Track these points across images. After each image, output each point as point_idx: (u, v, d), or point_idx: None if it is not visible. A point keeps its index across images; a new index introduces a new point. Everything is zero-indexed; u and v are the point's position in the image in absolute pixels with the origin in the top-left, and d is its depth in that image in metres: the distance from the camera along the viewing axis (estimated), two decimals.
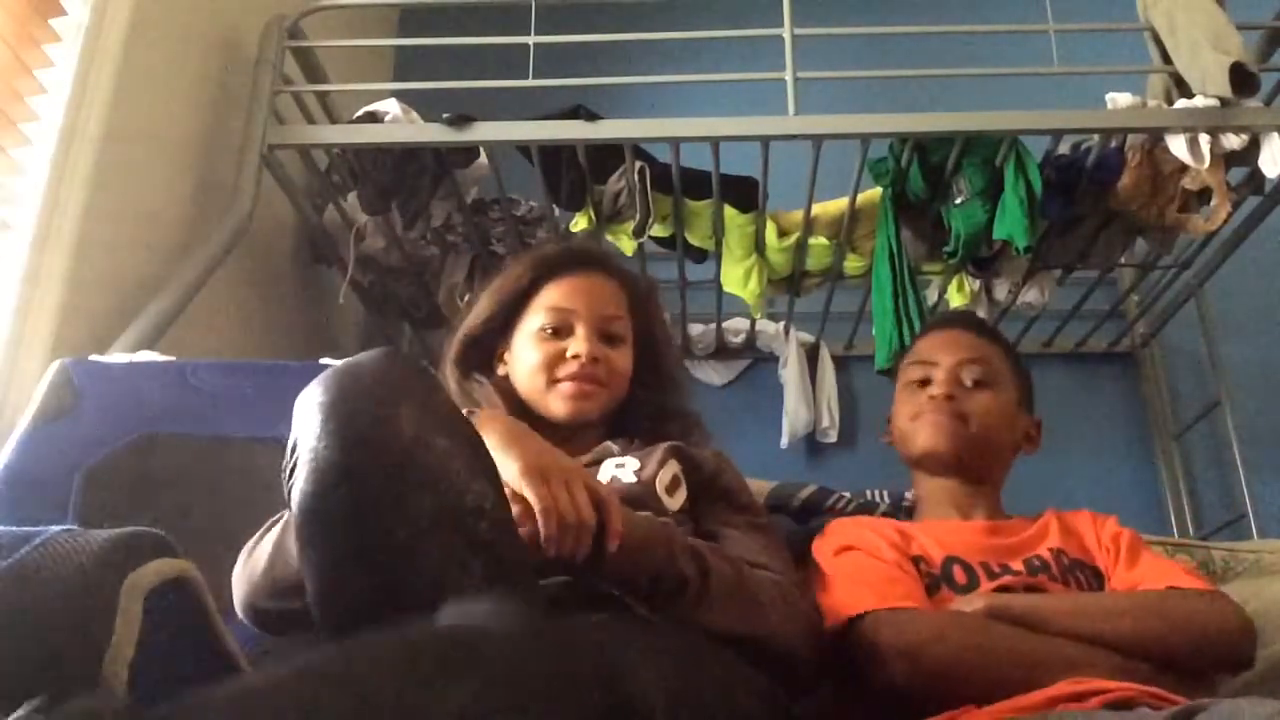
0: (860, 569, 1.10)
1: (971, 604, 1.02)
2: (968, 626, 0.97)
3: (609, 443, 1.15)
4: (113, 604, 0.46)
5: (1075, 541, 1.18)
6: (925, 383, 1.30)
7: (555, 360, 1.16)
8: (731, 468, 1.16)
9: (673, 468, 1.08)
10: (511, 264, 1.30)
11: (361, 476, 0.69)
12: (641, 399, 1.23)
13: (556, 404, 1.15)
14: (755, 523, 1.09)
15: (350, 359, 0.78)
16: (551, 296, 1.20)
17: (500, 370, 1.24)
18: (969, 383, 1.27)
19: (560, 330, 1.18)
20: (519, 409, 1.17)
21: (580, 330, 1.17)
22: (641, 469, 1.07)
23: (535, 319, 1.20)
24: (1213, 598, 1.04)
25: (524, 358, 1.19)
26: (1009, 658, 0.94)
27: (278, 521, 0.89)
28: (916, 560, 1.13)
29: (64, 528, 0.48)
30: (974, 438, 1.25)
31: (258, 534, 0.91)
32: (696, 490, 1.09)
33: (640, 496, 1.00)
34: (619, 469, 1.08)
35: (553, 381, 1.16)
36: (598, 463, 1.10)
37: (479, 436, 0.78)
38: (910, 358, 1.37)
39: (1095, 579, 1.13)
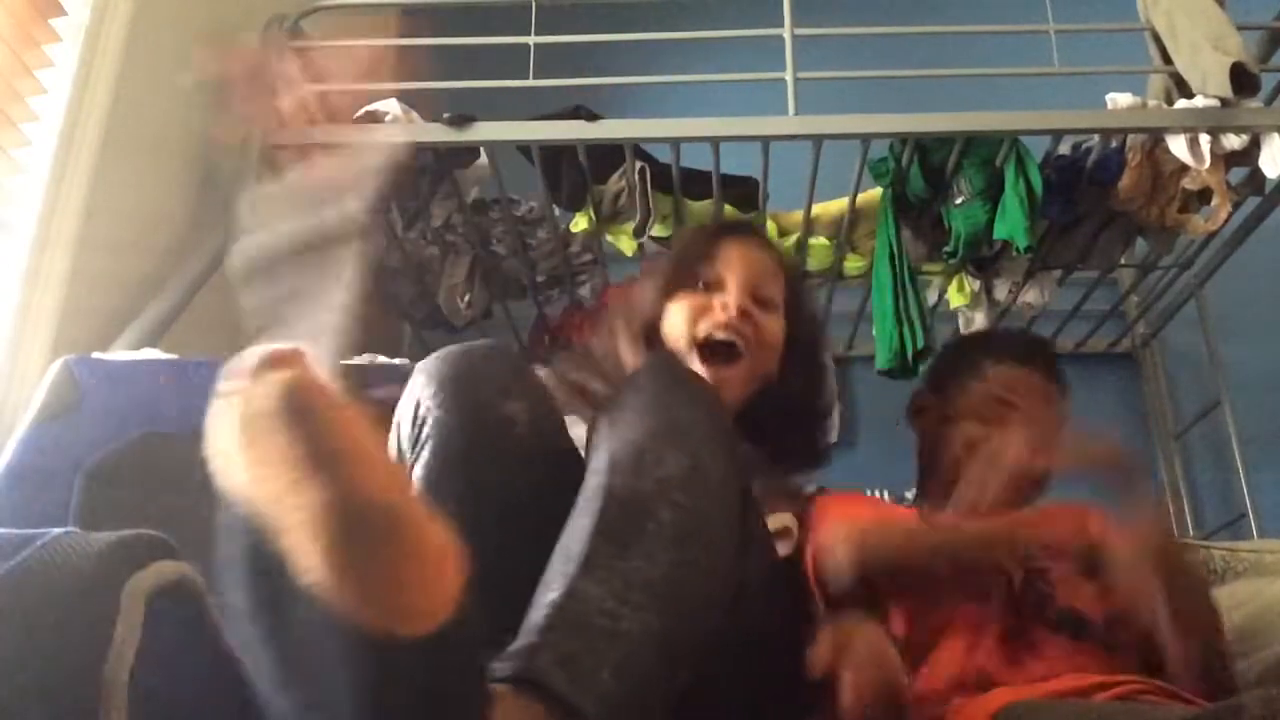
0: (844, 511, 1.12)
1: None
2: (896, 525, 1.06)
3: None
4: (114, 607, 0.46)
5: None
6: (993, 421, 1.19)
7: (699, 312, 1.10)
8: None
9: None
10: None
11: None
12: (781, 396, 1.14)
13: (694, 366, 1.07)
14: None
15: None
16: (704, 250, 1.16)
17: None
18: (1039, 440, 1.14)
19: (710, 284, 1.12)
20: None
21: (731, 281, 1.12)
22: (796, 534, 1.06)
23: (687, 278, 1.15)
24: None
25: (672, 316, 1.12)
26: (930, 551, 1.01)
27: None
28: None
29: (65, 530, 0.48)
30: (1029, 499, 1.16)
31: None
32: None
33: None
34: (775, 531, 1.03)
35: (694, 341, 1.09)
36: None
37: None
38: (990, 386, 1.23)
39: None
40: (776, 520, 1.05)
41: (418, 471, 0.73)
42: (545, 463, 0.79)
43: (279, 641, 0.52)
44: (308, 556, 0.47)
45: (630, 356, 1.12)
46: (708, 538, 0.71)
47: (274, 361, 0.50)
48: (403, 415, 0.78)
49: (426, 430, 0.75)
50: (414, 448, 0.75)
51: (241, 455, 0.49)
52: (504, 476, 0.75)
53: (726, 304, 1.09)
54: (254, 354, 0.50)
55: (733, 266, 1.13)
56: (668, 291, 1.15)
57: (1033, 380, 1.24)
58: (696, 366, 1.06)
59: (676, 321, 1.11)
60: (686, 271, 1.15)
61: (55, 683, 0.44)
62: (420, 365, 0.79)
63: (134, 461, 1.16)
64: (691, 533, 0.69)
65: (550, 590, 0.64)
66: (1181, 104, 1.70)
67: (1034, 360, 1.27)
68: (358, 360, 1.37)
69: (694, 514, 0.70)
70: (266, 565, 0.50)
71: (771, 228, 1.94)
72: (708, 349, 1.09)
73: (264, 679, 0.53)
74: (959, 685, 0.97)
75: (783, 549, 1.03)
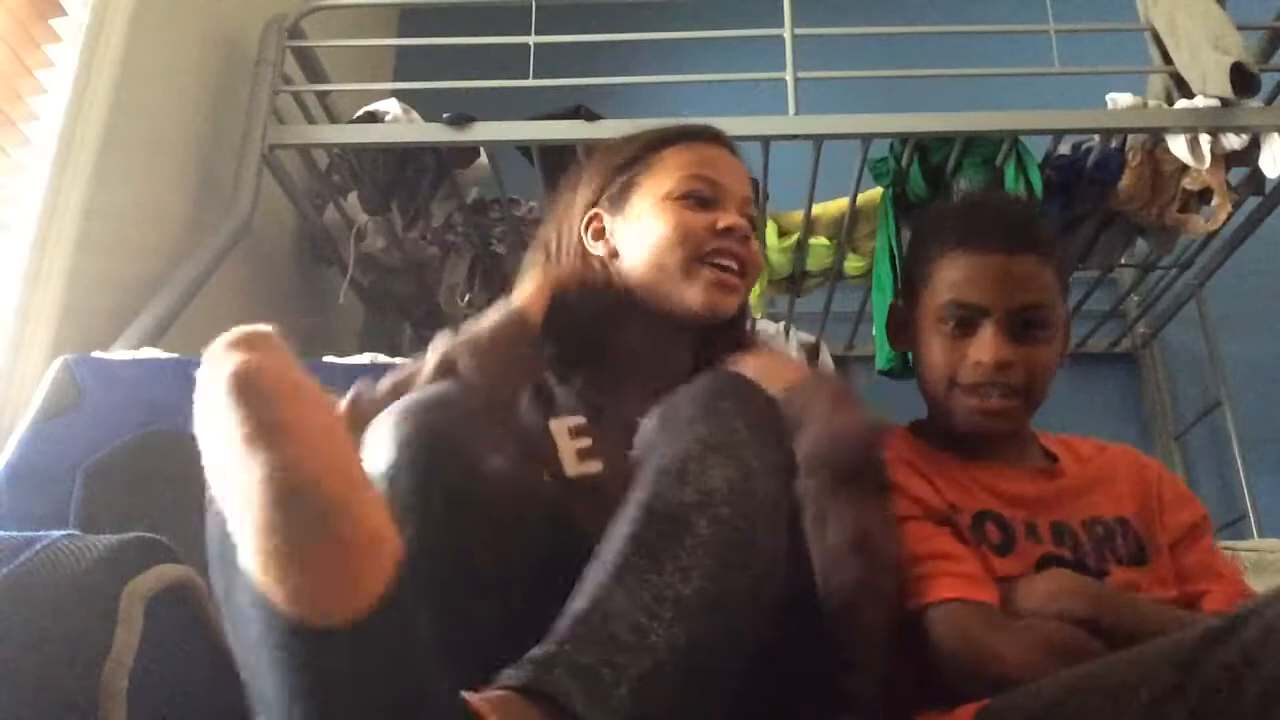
0: (921, 540, 0.96)
1: (1063, 603, 0.90)
2: (1050, 651, 0.85)
3: None
4: (113, 610, 0.46)
5: (1129, 505, 1.04)
6: (967, 328, 1.02)
7: (704, 235, 0.95)
8: None
9: None
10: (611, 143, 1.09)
11: None
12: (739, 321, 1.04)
13: (694, 293, 0.95)
14: None
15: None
16: (689, 161, 1.00)
17: (598, 248, 1.02)
18: (1022, 332, 1.01)
19: (707, 201, 0.98)
20: (625, 299, 0.98)
21: (730, 202, 0.98)
22: None
23: (667, 183, 0.98)
24: None
25: (654, 228, 0.96)
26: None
27: None
28: (950, 514, 0.99)
29: (65, 533, 0.48)
30: (1029, 406, 1.04)
31: None
32: None
33: None
34: None
35: (695, 260, 0.96)
36: None
37: None
38: (944, 286, 1.03)
39: (1134, 548, 1.01)
40: None
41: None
42: (530, 506, 0.75)
43: (234, 631, 0.52)
44: (245, 539, 0.47)
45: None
46: (752, 553, 0.67)
47: (239, 341, 0.50)
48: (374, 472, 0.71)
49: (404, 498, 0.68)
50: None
51: (205, 437, 0.49)
52: (495, 531, 0.70)
53: (731, 226, 0.96)
54: (225, 335, 0.51)
55: (726, 182, 0.99)
56: (625, 203, 1.01)
57: (1001, 266, 1.01)
58: (696, 288, 0.96)
59: (665, 241, 0.96)
60: (645, 171, 1.01)
61: (55, 686, 0.44)
62: (385, 424, 0.71)
63: (134, 461, 1.16)
64: (734, 547, 0.66)
65: (579, 600, 0.62)
66: (1181, 104, 1.70)
67: (1000, 241, 1.02)
68: (358, 360, 1.37)
69: (738, 528, 0.66)
70: (225, 552, 0.49)
71: (772, 228, 1.94)
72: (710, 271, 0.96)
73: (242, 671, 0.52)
74: None
75: None
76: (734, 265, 0.97)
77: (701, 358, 1.01)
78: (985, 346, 1.00)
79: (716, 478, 0.68)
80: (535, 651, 0.58)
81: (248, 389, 0.48)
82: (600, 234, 1.02)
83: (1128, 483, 1.05)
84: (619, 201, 1.01)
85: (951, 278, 1.02)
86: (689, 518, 0.65)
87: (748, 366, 0.89)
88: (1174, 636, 0.66)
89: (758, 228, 1.11)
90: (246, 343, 0.50)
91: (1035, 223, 1.09)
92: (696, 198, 0.97)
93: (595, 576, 0.63)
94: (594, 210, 1.03)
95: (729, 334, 1.03)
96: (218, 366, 0.49)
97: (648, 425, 0.76)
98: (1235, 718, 0.58)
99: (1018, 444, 1.07)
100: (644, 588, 0.61)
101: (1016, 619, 0.90)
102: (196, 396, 0.50)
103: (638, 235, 0.98)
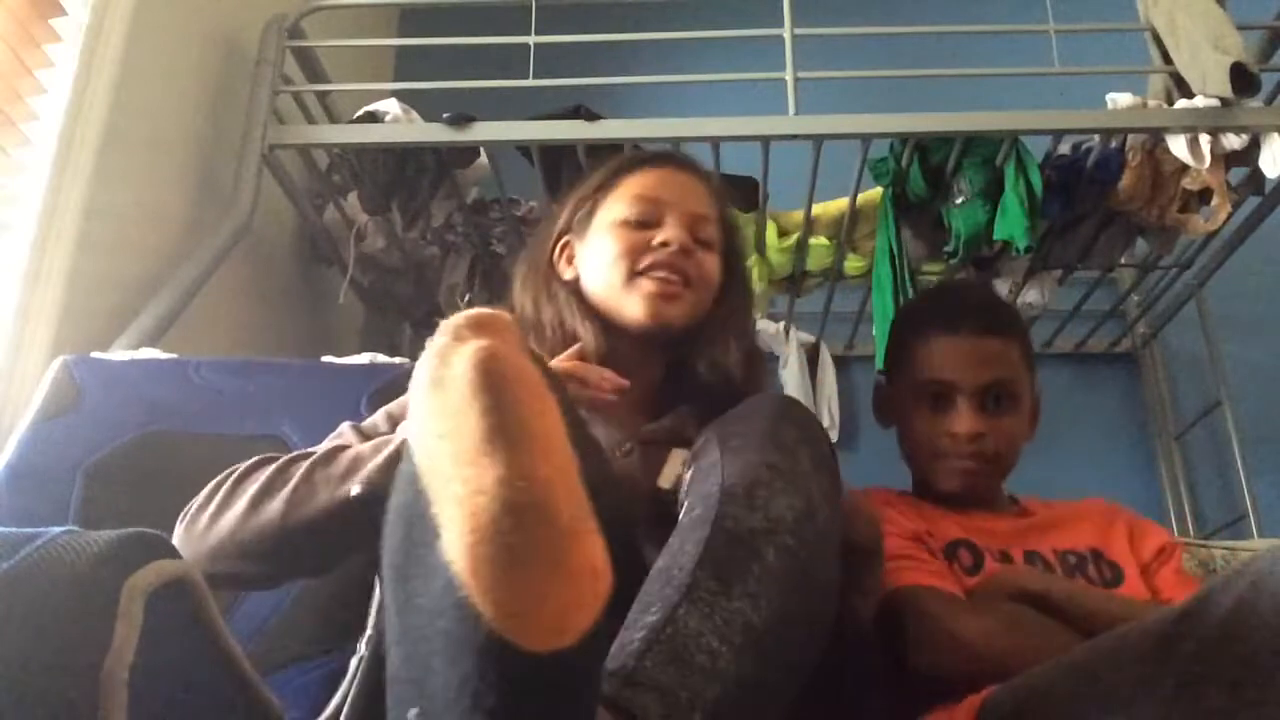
0: (893, 547, 1.04)
1: (1017, 581, 0.98)
2: (1011, 627, 0.93)
3: (685, 416, 0.99)
4: (113, 606, 0.46)
5: (1099, 539, 1.13)
6: (942, 403, 1.14)
7: (639, 249, 1.00)
8: None
9: None
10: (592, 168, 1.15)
11: None
12: (714, 336, 1.04)
13: (634, 304, 0.99)
14: None
15: None
16: (637, 185, 1.06)
17: (567, 273, 1.07)
18: (993, 405, 1.13)
19: (647, 222, 1.03)
20: (589, 316, 1.01)
21: (670, 218, 1.02)
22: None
23: (616, 208, 1.05)
24: None
25: (601, 249, 1.03)
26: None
27: (234, 478, 0.85)
28: (925, 536, 1.08)
29: (65, 529, 0.48)
30: (1000, 470, 1.16)
31: (212, 491, 0.86)
32: None
33: None
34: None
35: (634, 274, 1.00)
36: (666, 446, 0.92)
37: None
38: (920, 368, 1.16)
39: (1107, 574, 1.08)
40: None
41: None
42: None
43: (402, 614, 0.50)
44: (456, 535, 0.44)
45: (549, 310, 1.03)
46: (811, 585, 0.67)
47: (478, 324, 0.48)
48: None
49: None
50: None
51: (428, 415, 0.47)
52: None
53: (668, 240, 1.00)
54: (462, 314, 0.49)
55: (670, 199, 1.04)
56: (586, 230, 1.07)
57: (972, 348, 1.14)
58: (635, 299, 0.99)
59: (610, 257, 1.01)
60: (604, 200, 1.07)
61: (54, 682, 0.44)
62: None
63: (134, 461, 1.16)
64: (797, 578, 0.66)
65: (649, 612, 0.61)
66: (1181, 104, 1.70)
67: (972, 328, 1.15)
68: (358, 360, 1.37)
69: (801, 559, 0.67)
70: (415, 532, 0.47)
71: (772, 228, 1.94)
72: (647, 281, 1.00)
73: (389, 644, 0.51)
74: None
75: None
76: (673, 276, 1.00)
77: (687, 375, 1.03)
78: (959, 419, 1.12)
79: (783, 505, 0.68)
80: (612, 664, 0.58)
81: (492, 379, 0.45)
82: (571, 260, 1.09)
83: (1097, 520, 1.15)
84: (581, 228, 1.08)
85: (928, 359, 1.16)
86: (757, 544, 0.66)
87: None
88: (1158, 614, 0.69)
89: (739, 230, 1.16)
90: (490, 327, 0.48)
91: (1002, 308, 1.27)
92: (639, 219, 1.03)
93: (662, 589, 0.63)
94: (565, 238, 1.10)
95: (712, 348, 1.03)
96: (459, 346, 0.46)
97: (705, 441, 0.76)
98: (1218, 683, 0.61)
99: (993, 498, 1.19)
100: (715, 611, 0.61)
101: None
102: (420, 370, 0.48)
103: (592, 257, 1.05)
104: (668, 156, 1.14)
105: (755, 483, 0.69)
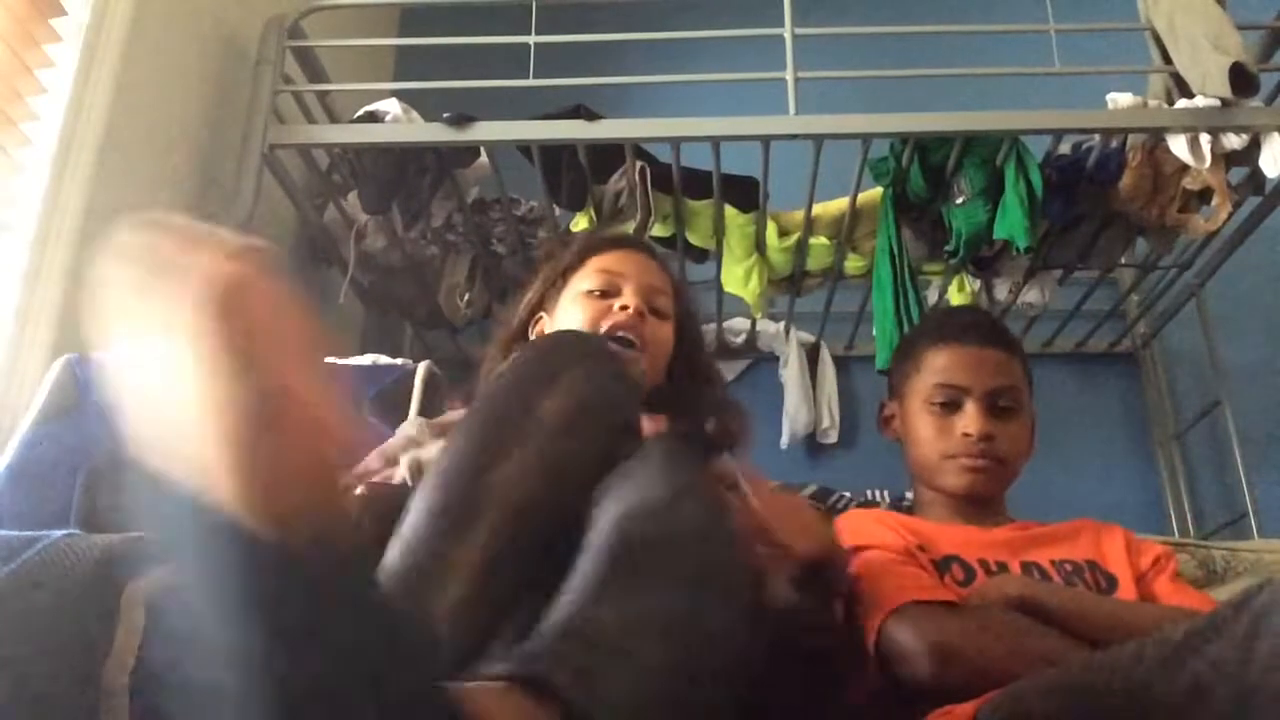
0: (883, 567, 1.07)
1: (1004, 588, 1.01)
2: (999, 630, 0.95)
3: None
4: (113, 610, 0.46)
5: (1095, 552, 1.16)
6: (951, 408, 1.20)
7: (601, 314, 1.15)
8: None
9: None
10: (557, 247, 1.35)
11: None
12: (672, 392, 1.19)
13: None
14: None
15: None
16: (601, 262, 1.22)
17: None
18: (1000, 411, 1.20)
19: (608, 292, 1.18)
20: None
21: (628, 289, 1.18)
22: None
23: (582, 283, 1.20)
24: None
25: (569, 317, 1.18)
26: (1041, 665, 0.90)
27: None
28: (916, 551, 1.10)
29: (65, 532, 0.48)
30: (1008, 474, 1.21)
31: None
32: None
33: None
34: None
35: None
36: None
37: None
38: (931, 373, 1.23)
39: (1104, 583, 1.11)
40: None
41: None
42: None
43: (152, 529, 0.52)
44: (193, 442, 0.47)
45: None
46: (722, 585, 0.71)
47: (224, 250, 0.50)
48: None
49: None
50: None
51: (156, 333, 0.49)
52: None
53: (626, 305, 1.15)
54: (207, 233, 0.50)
55: (628, 272, 1.20)
56: (555, 303, 1.22)
57: (980, 356, 1.22)
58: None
59: (573, 324, 1.16)
60: (569, 278, 1.22)
61: (55, 685, 0.44)
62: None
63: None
64: (706, 581, 0.69)
65: (562, 608, 0.65)
66: (1182, 104, 1.70)
67: (978, 338, 1.25)
68: (358, 360, 1.37)
69: (709, 564, 0.71)
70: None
71: (771, 228, 1.94)
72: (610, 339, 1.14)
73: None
74: None
75: None
76: (629, 337, 1.14)
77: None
78: (971, 420, 1.18)
79: (687, 516, 0.73)
80: (523, 647, 0.61)
81: (235, 306, 0.48)
82: (542, 333, 1.23)
83: (1092, 535, 1.19)
84: (551, 302, 1.24)
85: (938, 365, 1.23)
86: (662, 550, 0.69)
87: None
88: (1163, 630, 0.71)
89: (689, 296, 1.32)
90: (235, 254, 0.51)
91: (1005, 327, 1.37)
92: (601, 290, 1.18)
93: (579, 588, 0.66)
94: (539, 314, 1.25)
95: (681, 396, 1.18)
96: (199, 271, 0.49)
97: (608, 481, 0.80)
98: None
99: (992, 512, 1.21)
100: (626, 607, 0.65)
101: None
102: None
103: (561, 323, 1.20)
104: (626, 239, 1.34)
105: (656, 500, 0.73)
